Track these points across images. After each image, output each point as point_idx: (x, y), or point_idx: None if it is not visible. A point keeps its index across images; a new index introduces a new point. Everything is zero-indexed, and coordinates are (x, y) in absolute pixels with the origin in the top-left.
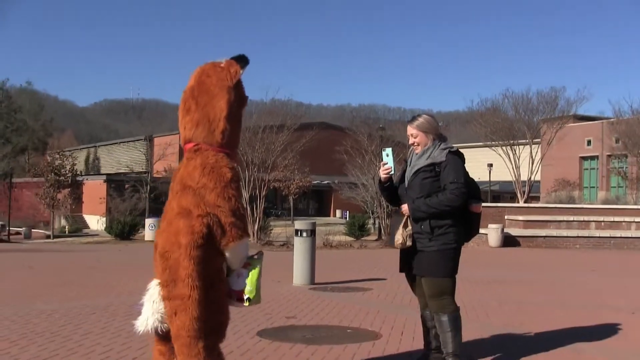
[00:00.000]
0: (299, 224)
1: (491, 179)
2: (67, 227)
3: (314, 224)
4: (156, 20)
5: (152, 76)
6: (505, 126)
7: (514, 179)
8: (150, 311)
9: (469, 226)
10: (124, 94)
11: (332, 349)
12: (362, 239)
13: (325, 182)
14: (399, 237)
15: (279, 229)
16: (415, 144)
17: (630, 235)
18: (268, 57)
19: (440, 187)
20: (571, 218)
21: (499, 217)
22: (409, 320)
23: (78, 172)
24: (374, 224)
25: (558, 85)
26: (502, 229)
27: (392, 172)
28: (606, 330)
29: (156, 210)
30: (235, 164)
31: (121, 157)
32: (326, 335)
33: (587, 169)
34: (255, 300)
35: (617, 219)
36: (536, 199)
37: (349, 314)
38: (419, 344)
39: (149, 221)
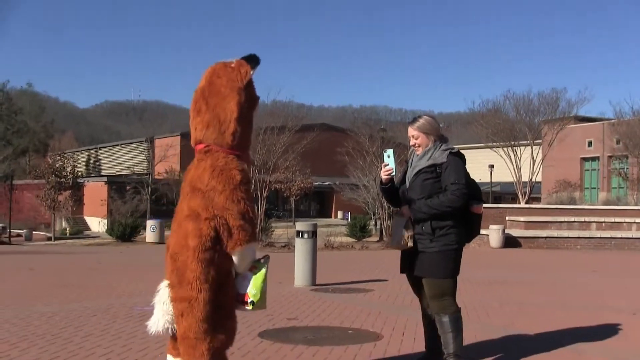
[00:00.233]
0: (300, 225)
1: (492, 180)
2: (68, 229)
3: (315, 225)
4: (157, 21)
5: (153, 77)
6: (506, 127)
7: (515, 180)
8: (161, 312)
9: (470, 227)
10: (125, 95)
11: (333, 350)
12: (364, 240)
13: (327, 183)
14: (400, 238)
15: (281, 231)
16: (416, 145)
17: (631, 236)
18: (269, 58)
19: (441, 188)
20: (572, 219)
21: (500, 218)
22: (410, 321)
23: (79, 174)
24: (375, 225)
25: (559, 86)
26: (504, 230)
27: (394, 173)
28: (607, 331)
29: (157, 212)
30: (245, 166)
31: (122, 159)
32: (327, 336)
33: (588, 170)
34: (259, 304)
35: (618, 219)
36: (537, 200)
37: (350, 315)
38: (420, 345)
39: (150, 223)
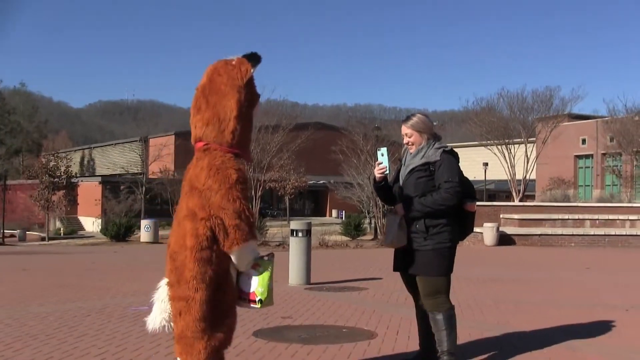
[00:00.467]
0: (295, 224)
1: (486, 178)
2: (62, 229)
3: (309, 224)
4: (151, 21)
5: (147, 77)
6: (500, 125)
7: (509, 178)
8: (159, 310)
9: (463, 225)
10: (118, 95)
11: (328, 349)
12: (358, 238)
13: (321, 182)
14: (393, 237)
15: (275, 229)
16: (410, 143)
17: (624, 233)
18: (264, 57)
19: (434, 186)
20: (566, 216)
21: (495, 216)
22: (405, 319)
23: (73, 174)
24: (369, 223)
25: (553, 84)
26: (498, 228)
27: (387, 172)
28: (601, 328)
29: (152, 212)
30: (242, 165)
31: (116, 159)
32: (322, 335)
33: (581, 168)
34: (267, 301)
35: (611, 217)
36: (531, 197)
37: (345, 314)
38: (414, 343)
39: (144, 222)
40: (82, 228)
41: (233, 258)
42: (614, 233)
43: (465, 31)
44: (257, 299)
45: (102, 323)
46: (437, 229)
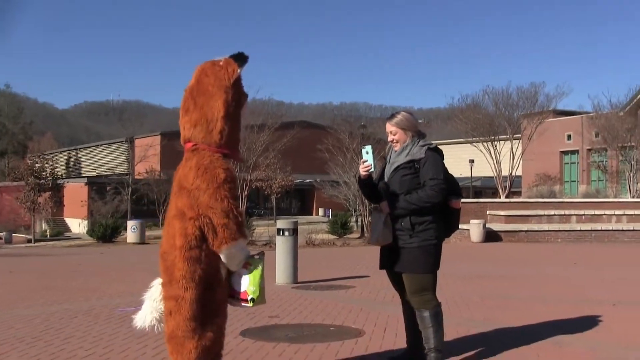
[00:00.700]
0: (281, 223)
1: (473, 175)
2: (48, 230)
3: (296, 223)
4: (136, 21)
5: (133, 78)
6: (485, 122)
7: (495, 175)
8: (150, 309)
9: (449, 222)
10: (104, 95)
11: (315, 347)
12: (345, 236)
13: (307, 180)
14: (379, 234)
15: (262, 229)
16: (394, 141)
17: (610, 228)
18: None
19: (419, 184)
20: (552, 212)
21: (481, 213)
22: (392, 317)
23: (59, 175)
24: (356, 221)
25: (538, 80)
26: (484, 224)
27: (372, 170)
28: (588, 323)
29: (138, 212)
30: (230, 164)
31: (102, 160)
32: (309, 333)
33: (567, 164)
34: (259, 300)
35: (597, 212)
36: (517, 193)
37: (332, 312)
38: (401, 340)
39: (131, 223)
40: (68, 229)
41: (223, 257)
42: (600, 228)
43: (451, 29)
44: (249, 298)
45: (89, 325)
46: (422, 226)
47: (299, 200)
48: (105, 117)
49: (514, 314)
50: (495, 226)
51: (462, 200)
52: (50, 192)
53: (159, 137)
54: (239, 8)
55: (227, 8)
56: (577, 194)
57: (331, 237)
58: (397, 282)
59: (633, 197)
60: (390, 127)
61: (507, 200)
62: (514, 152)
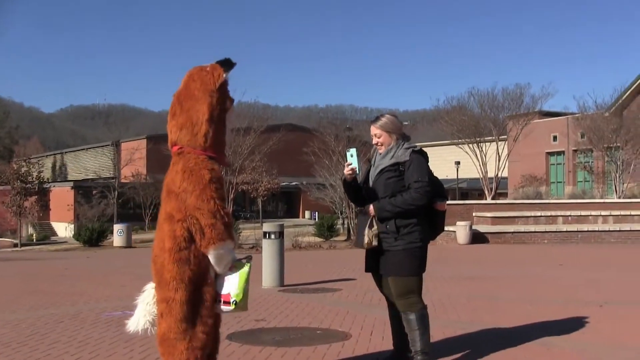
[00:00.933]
0: (267, 226)
1: (459, 177)
2: (34, 235)
3: (282, 226)
4: (121, 24)
5: (119, 81)
6: (471, 124)
7: (481, 176)
8: (143, 312)
9: (434, 224)
10: (90, 99)
11: (302, 351)
12: (332, 239)
13: (294, 183)
14: (364, 237)
15: (248, 232)
16: (379, 143)
17: (597, 229)
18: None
19: (404, 187)
20: (538, 213)
21: (467, 214)
22: (379, 319)
23: (45, 179)
24: (342, 224)
25: (523, 82)
26: (471, 226)
27: (357, 172)
28: (575, 324)
29: (124, 216)
30: (216, 165)
31: (88, 163)
32: (296, 337)
33: (553, 165)
34: (241, 304)
35: (584, 213)
36: (504, 195)
37: (319, 315)
38: (388, 343)
39: (117, 227)
40: (54, 234)
41: (211, 258)
42: (586, 229)
43: (436, 31)
44: (231, 300)
45: (75, 329)
46: (407, 229)
47: (285, 203)
48: (91, 120)
49: (501, 315)
50: (482, 228)
51: (448, 202)
52: (36, 196)
53: (144, 140)
54: (225, 10)
55: (213, 10)
56: (564, 195)
57: (317, 239)
58: (384, 285)
59: (619, 197)
60: (374, 129)
61: (494, 201)
62: (500, 154)
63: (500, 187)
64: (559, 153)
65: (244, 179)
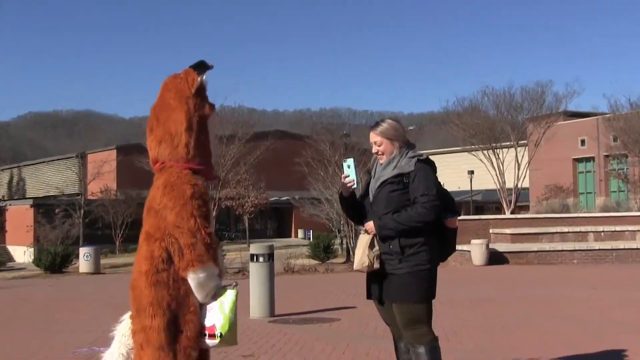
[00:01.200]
0: (255, 247)
1: (472, 188)
2: None
3: (271, 247)
4: (86, 23)
5: (84, 85)
6: (486, 127)
7: (499, 187)
8: (117, 345)
9: (444, 244)
10: (52, 105)
11: None
12: (328, 261)
13: (285, 198)
14: (364, 259)
15: (233, 254)
16: (380, 152)
17: (635, 247)
18: (212, 58)
19: (409, 201)
20: (566, 229)
21: (483, 231)
22: (383, 353)
23: (0, 197)
24: (341, 244)
25: (544, 79)
26: (487, 245)
27: (355, 185)
28: (611, 354)
29: (92, 238)
30: (199, 180)
31: (50, 178)
32: None
33: (581, 172)
34: (228, 337)
35: (618, 228)
36: (525, 208)
37: (315, 349)
38: None
39: (83, 250)
40: (11, 259)
41: (191, 283)
42: (622, 247)
43: (442, 24)
44: (216, 333)
45: None
46: (413, 249)
47: (275, 221)
48: (53, 129)
49: (525, 342)
50: (500, 246)
51: (460, 217)
52: None
53: (114, 151)
54: (202, 5)
55: (189, 6)
56: (594, 207)
57: (312, 262)
58: (387, 314)
59: None
60: (374, 137)
61: (513, 216)
62: (519, 161)
63: (520, 200)
64: (587, 159)
65: (228, 194)
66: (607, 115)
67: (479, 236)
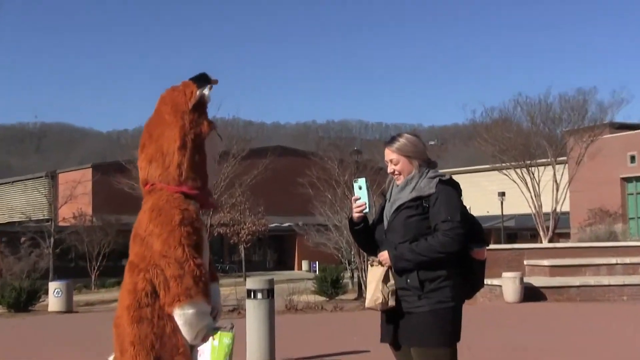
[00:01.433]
0: (252, 281)
1: (504, 213)
2: None
3: (272, 282)
4: (56, 26)
5: (55, 95)
6: (519, 142)
7: (534, 211)
8: None
9: (470, 278)
10: (17, 117)
11: None
12: (337, 298)
13: (286, 224)
14: (378, 295)
15: (228, 289)
16: (396, 172)
17: None
18: (206, 66)
19: (429, 228)
20: (613, 260)
21: (517, 263)
22: None
23: None
24: (351, 277)
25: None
26: (521, 279)
27: (367, 210)
28: None
29: (63, 271)
30: (191, 206)
31: (15, 201)
32: None
33: (631, 194)
34: None
35: None
36: (565, 236)
37: None
38: None
39: (53, 285)
40: None
41: (178, 321)
42: None
43: (468, 23)
44: None
45: None
46: (434, 284)
47: (276, 251)
48: (20, 145)
49: None
50: (537, 280)
51: (489, 247)
52: None
53: (90, 170)
54: (195, 9)
55: (181, 8)
56: None
57: (319, 299)
58: (405, 359)
59: None
60: (390, 154)
61: (552, 245)
62: (558, 181)
63: (559, 226)
64: (638, 179)
65: (222, 220)
66: None
67: (511, 269)
